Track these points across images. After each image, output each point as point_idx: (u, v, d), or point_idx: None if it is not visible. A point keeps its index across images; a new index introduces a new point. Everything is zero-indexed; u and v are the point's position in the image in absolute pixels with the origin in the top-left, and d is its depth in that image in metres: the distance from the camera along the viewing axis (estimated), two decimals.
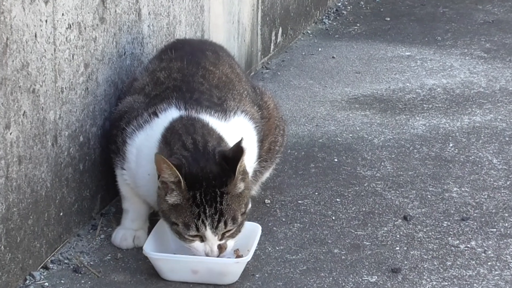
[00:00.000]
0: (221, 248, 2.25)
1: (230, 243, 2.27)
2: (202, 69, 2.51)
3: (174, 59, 2.54)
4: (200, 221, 2.20)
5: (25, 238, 2.26)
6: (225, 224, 2.22)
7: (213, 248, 2.24)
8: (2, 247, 2.16)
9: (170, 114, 2.34)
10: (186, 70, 2.49)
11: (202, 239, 2.23)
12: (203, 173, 2.21)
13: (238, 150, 2.22)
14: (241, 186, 2.25)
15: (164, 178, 2.21)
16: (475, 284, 2.34)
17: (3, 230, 2.15)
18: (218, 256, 2.25)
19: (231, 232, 2.25)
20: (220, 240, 2.24)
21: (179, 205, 2.21)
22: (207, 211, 2.20)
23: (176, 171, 2.18)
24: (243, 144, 2.22)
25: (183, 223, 2.21)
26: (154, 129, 2.33)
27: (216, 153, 2.24)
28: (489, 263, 2.45)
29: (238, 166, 2.20)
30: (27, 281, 2.28)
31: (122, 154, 2.39)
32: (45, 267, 2.36)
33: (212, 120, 2.34)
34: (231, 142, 2.31)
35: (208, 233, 2.21)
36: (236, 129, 2.39)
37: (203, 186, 2.20)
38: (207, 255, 2.25)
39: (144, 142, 2.34)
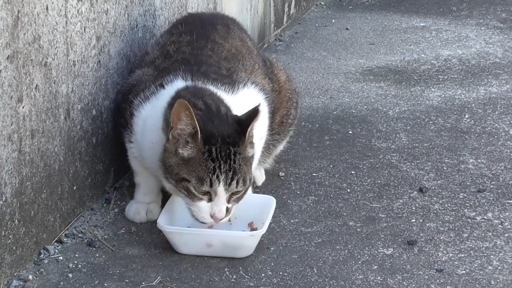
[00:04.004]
0: (227, 211, 2.23)
1: (233, 210, 2.25)
2: (212, 42, 2.49)
3: (184, 33, 2.52)
4: (215, 176, 2.18)
5: (39, 212, 2.26)
6: (237, 183, 2.20)
7: (222, 208, 2.20)
8: (16, 221, 2.15)
9: (176, 85, 2.33)
10: (195, 44, 2.47)
11: (211, 198, 2.21)
12: (218, 130, 2.20)
13: (252, 114, 2.21)
14: (250, 151, 2.24)
15: (179, 129, 2.18)
16: (491, 256, 2.33)
17: (17, 204, 2.15)
18: (220, 220, 2.21)
19: (238, 195, 2.23)
20: (228, 202, 2.22)
21: (192, 159, 2.19)
22: (222, 166, 2.18)
23: (196, 121, 2.16)
24: (260, 108, 2.20)
25: (196, 177, 2.18)
26: (160, 99, 2.32)
27: (229, 116, 2.23)
28: (506, 235, 2.43)
29: (249, 129, 2.20)
30: (42, 255, 2.28)
31: (130, 127, 2.38)
32: (59, 241, 2.36)
33: (219, 92, 2.33)
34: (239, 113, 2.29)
35: (221, 189, 2.19)
36: (244, 100, 2.37)
37: (219, 142, 2.18)
38: (212, 216, 2.22)
39: (149, 113, 2.33)
